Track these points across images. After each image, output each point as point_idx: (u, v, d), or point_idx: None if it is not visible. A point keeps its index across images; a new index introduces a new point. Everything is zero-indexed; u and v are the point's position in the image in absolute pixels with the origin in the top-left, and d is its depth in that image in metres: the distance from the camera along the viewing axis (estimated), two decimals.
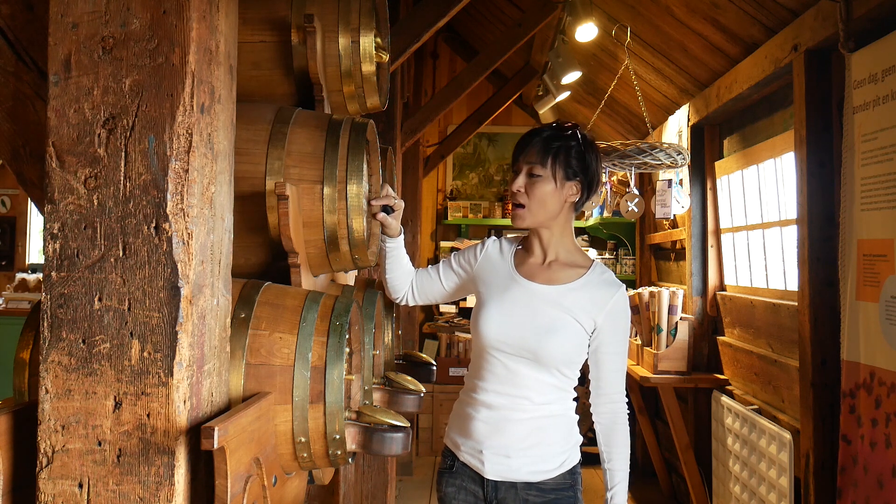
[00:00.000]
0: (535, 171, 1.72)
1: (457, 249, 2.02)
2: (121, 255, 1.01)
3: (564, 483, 1.74)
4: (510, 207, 1.85)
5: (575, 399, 1.81)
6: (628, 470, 1.77)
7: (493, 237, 1.92)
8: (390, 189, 1.77)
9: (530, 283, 1.76)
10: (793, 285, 3.00)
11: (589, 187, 1.78)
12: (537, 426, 1.72)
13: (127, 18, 1.03)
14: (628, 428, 1.78)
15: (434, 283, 1.92)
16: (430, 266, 1.96)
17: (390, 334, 2.09)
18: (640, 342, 4.19)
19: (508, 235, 2.01)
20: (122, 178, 1.02)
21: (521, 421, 1.71)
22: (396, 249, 1.85)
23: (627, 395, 1.81)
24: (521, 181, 1.74)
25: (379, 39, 1.88)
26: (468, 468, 1.76)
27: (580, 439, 1.81)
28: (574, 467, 1.77)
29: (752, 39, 3.04)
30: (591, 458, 2.10)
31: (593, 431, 1.84)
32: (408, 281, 1.91)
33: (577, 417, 1.81)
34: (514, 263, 1.82)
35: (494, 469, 1.72)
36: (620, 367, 1.78)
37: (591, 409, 1.80)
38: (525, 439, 1.71)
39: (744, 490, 3.31)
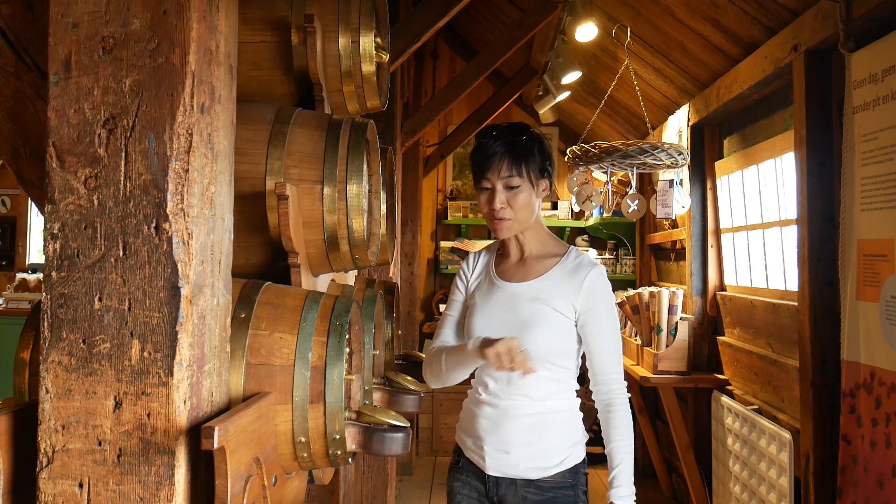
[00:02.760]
0: (513, 184, 1.72)
1: (457, 249, 2.03)
2: (121, 255, 1.01)
3: (564, 482, 1.73)
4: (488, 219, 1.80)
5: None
6: (632, 451, 1.75)
7: (473, 253, 1.93)
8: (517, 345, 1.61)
9: (508, 283, 1.79)
10: (793, 285, 3.00)
11: (552, 177, 1.81)
12: (538, 421, 1.73)
13: (127, 18, 1.03)
14: (629, 409, 1.77)
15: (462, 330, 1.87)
16: (450, 323, 1.86)
17: (390, 334, 2.09)
18: (640, 342, 4.19)
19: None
20: (122, 178, 1.02)
21: (522, 416, 1.73)
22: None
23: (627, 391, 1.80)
24: (502, 197, 1.72)
25: (379, 39, 1.88)
26: (472, 464, 1.79)
27: (584, 438, 1.80)
28: (576, 466, 1.75)
29: (752, 39, 3.04)
30: (593, 458, 2.09)
31: (593, 432, 1.84)
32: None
33: (581, 415, 1.81)
34: (494, 268, 1.84)
35: (494, 465, 1.73)
36: (610, 349, 1.76)
37: (592, 394, 1.80)
38: (525, 435, 1.72)
39: (744, 490, 3.31)
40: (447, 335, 1.86)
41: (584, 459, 1.79)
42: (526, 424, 1.72)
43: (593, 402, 1.81)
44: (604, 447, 1.79)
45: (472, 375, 1.86)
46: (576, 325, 1.76)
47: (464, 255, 6.03)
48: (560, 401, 1.76)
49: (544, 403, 1.74)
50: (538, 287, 1.76)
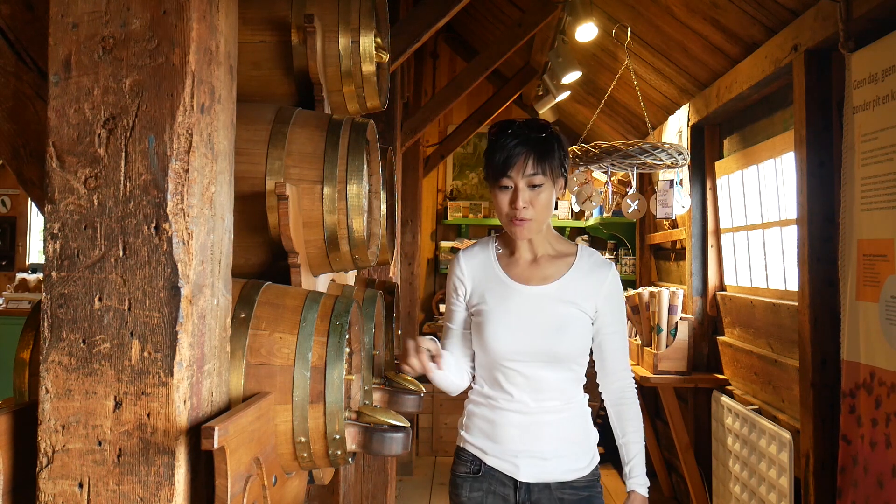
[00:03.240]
0: (536, 182, 1.65)
1: (457, 249, 2.00)
2: (121, 255, 1.01)
3: (594, 478, 1.77)
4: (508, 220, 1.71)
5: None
6: (644, 442, 1.79)
7: (462, 254, 1.83)
8: (429, 342, 1.60)
9: (526, 286, 1.73)
10: (793, 285, 3.00)
11: (567, 176, 1.76)
12: (568, 425, 1.73)
13: (127, 18, 1.03)
14: (638, 401, 1.80)
15: (467, 341, 1.82)
16: (451, 335, 1.83)
17: (390, 334, 2.08)
18: (640, 342, 4.19)
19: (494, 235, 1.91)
20: (122, 178, 1.02)
21: (552, 423, 1.72)
22: (439, 373, 1.69)
23: None
24: (525, 196, 1.64)
25: (379, 39, 1.88)
26: (497, 471, 1.74)
27: (597, 433, 1.82)
28: (598, 462, 1.80)
29: (752, 39, 3.04)
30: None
31: (600, 417, 1.85)
32: (460, 375, 1.79)
33: (590, 410, 1.83)
34: (503, 270, 1.76)
35: (530, 472, 1.71)
36: (622, 345, 1.79)
37: (600, 390, 1.81)
38: (559, 439, 1.72)
39: (744, 490, 3.31)
40: (450, 348, 1.82)
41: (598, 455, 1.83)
42: (559, 429, 1.72)
43: (593, 401, 1.82)
44: (602, 446, 1.82)
45: (473, 378, 1.83)
46: (591, 324, 1.76)
47: None
48: (580, 402, 1.78)
49: (571, 406, 1.74)
50: (561, 288, 1.72)
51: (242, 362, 1.29)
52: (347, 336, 1.41)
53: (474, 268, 1.79)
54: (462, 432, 1.82)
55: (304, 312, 1.36)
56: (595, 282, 1.74)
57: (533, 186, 1.66)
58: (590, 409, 1.83)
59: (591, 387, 1.82)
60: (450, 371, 1.75)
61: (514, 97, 5.85)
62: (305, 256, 1.59)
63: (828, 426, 2.59)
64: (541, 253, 1.77)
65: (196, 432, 1.01)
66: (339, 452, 1.33)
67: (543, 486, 1.72)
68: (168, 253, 1.01)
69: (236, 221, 1.26)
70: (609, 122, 5.17)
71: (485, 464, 1.75)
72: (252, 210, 1.54)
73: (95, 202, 1.02)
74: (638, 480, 1.77)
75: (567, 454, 1.72)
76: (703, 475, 3.89)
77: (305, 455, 1.32)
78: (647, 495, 1.78)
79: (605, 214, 5.22)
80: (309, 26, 1.67)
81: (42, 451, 1.01)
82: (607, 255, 5.96)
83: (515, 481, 1.72)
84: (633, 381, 1.81)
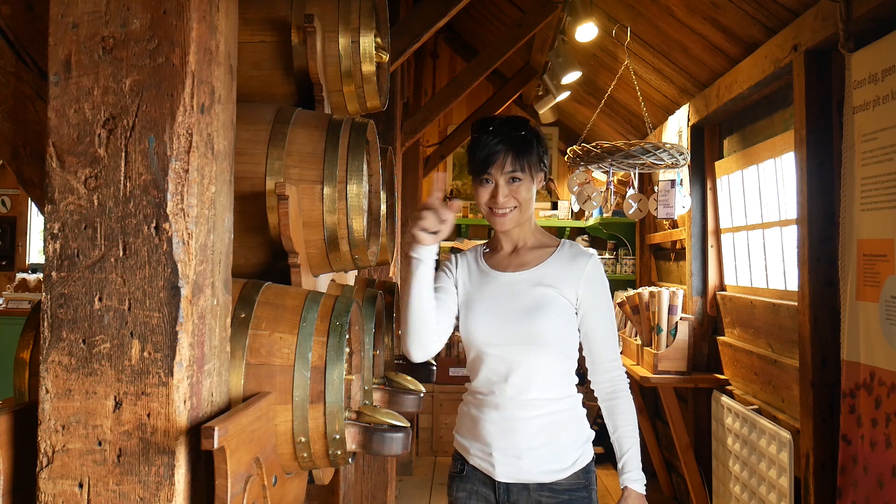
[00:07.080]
0: (517, 177, 1.71)
1: (457, 249, 2.02)
2: (121, 255, 1.01)
3: (578, 483, 1.71)
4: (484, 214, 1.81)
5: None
6: (638, 437, 1.76)
7: (455, 255, 1.90)
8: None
9: (503, 273, 1.78)
10: (793, 285, 3.00)
11: (547, 168, 1.81)
12: (547, 423, 1.69)
13: (127, 18, 1.03)
14: (630, 394, 1.77)
15: (449, 312, 1.79)
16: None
17: (390, 334, 2.09)
18: (640, 342, 4.19)
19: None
20: (122, 178, 1.02)
21: (531, 419, 1.69)
22: (420, 292, 1.68)
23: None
24: (505, 191, 1.71)
25: (379, 39, 1.88)
26: (479, 472, 1.73)
27: (591, 434, 1.78)
28: (588, 465, 1.74)
29: (752, 39, 3.04)
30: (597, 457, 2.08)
31: (598, 424, 1.83)
32: (432, 331, 1.73)
33: (585, 411, 1.80)
34: (484, 263, 1.82)
35: (505, 471, 1.69)
36: (609, 335, 1.77)
37: (592, 385, 1.79)
38: (535, 438, 1.68)
39: (744, 490, 3.31)
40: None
41: (593, 458, 1.77)
42: (536, 427, 1.69)
43: (594, 401, 1.81)
44: (602, 446, 1.79)
45: (469, 379, 1.83)
46: (575, 311, 1.75)
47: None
48: (566, 398, 1.74)
49: (552, 403, 1.71)
50: (541, 273, 1.74)
51: (242, 362, 1.29)
52: (347, 336, 1.41)
53: (462, 266, 1.85)
54: (454, 431, 1.85)
55: (304, 312, 1.36)
56: (575, 269, 1.74)
57: (512, 181, 1.72)
58: (584, 410, 1.79)
59: (590, 388, 1.80)
60: (430, 297, 1.70)
61: (514, 97, 5.85)
62: (305, 256, 1.59)
63: (828, 426, 2.59)
64: (523, 244, 1.81)
65: (196, 432, 1.01)
66: (339, 452, 1.33)
67: (522, 487, 1.69)
68: (168, 253, 1.01)
69: (236, 221, 1.26)
70: (609, 122, 5.17)
71: (468, 463, 1.76)
72: (252, 210, 1.54)
73: (95, 202, 1.02)
74: (632, 475, 1.72)
75: (545, 453, 1.68)
76: (703, 475, 3.89)
77: (305, 455, 1.32)
78: (643, 492, 1.73)
79: (605, 214, 5.22)
80: (309, 26, 1.67)
81: (42, 451, 1.01)
82: (607, 254, 5.96)
83: (494, 481, 1.71)
84: (625, 374, 1.78)
